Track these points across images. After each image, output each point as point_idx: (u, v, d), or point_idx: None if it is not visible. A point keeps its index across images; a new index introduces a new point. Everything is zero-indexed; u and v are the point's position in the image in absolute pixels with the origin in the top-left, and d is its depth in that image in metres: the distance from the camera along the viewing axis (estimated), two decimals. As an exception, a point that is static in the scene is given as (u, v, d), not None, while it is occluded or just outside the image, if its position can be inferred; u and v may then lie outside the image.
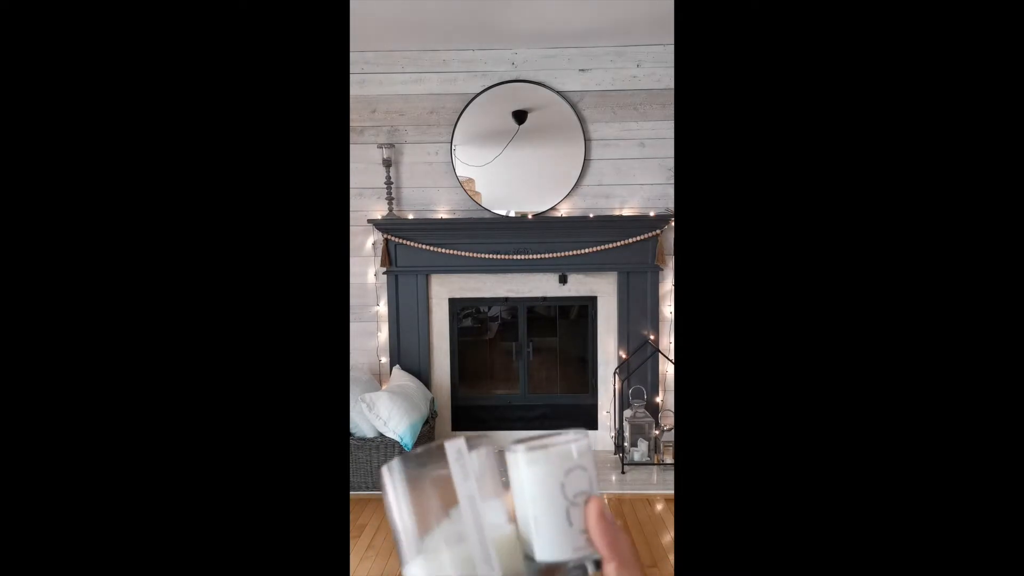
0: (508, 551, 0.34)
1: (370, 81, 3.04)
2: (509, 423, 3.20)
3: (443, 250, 3.00)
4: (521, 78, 3.02)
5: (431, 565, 0.34)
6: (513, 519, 0.35)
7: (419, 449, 0.35)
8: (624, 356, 3.08)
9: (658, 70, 3.01)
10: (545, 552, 0.34)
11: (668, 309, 3.14)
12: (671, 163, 3.08)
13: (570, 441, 0.34)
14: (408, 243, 3.00)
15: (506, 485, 0.36)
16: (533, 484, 0.34)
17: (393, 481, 0.35)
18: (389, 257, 3.03)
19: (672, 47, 3.04)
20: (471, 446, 0.34)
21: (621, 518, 2.47)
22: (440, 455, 0.34)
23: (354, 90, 3.04)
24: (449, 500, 0.34)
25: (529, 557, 0.35)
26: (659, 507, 2.54)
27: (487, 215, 3.06)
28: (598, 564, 0.34)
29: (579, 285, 3.15)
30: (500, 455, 0.36)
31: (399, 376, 3.04)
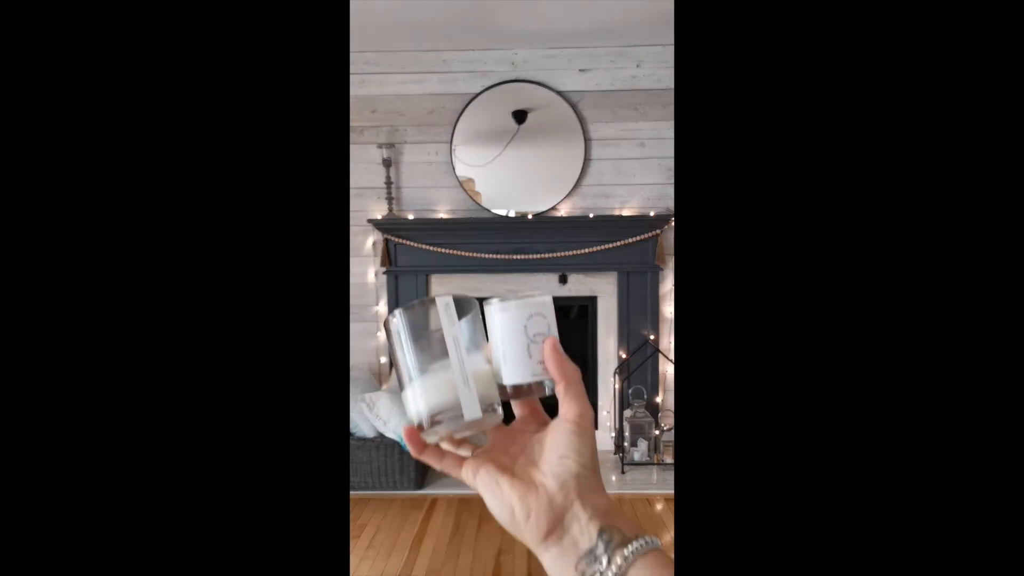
0: (485, 382, 0.44)
1: (370, 81, 3.04)
2: (509, 421, 3.20)
3: (443, 250, 3.00)
4: (521, 78, 3.02)
5: (424, 386, 0.42)
6: (490, 363, 0.45)
7: (416, 302, 0.44)
8: (624, 356, 3.08)
9: (658, 70, 3.01)
10: (510, 377, 0.44)
11: (668, 309, 3.14)
12: (671, 163, 3.08)
13: (533, 295, 0.44)
14: (408, 243, 3.00)
15: (486, 340, 0.45)
16: (502, 326, 0.44)
17: (398, 327, 0.43)
18: (389, 257, 3.03)
19: (672, 47, 3.04)
20: (462, 311, 0.43)
21: (621, 518, 2.46)
22: (433, 307, 0.43)
23: (354, 90, 3.04)
24: (439, 348, 0.43)
25: (500, 385, 0.44)
26: (659, 507, 2.54)
27: (487, 215, 3.06)
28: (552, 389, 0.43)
29: (579, 285, 3.15)
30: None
31: (399, 376, 3.04)
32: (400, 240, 3.00)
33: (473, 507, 2.61)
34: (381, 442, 2.72)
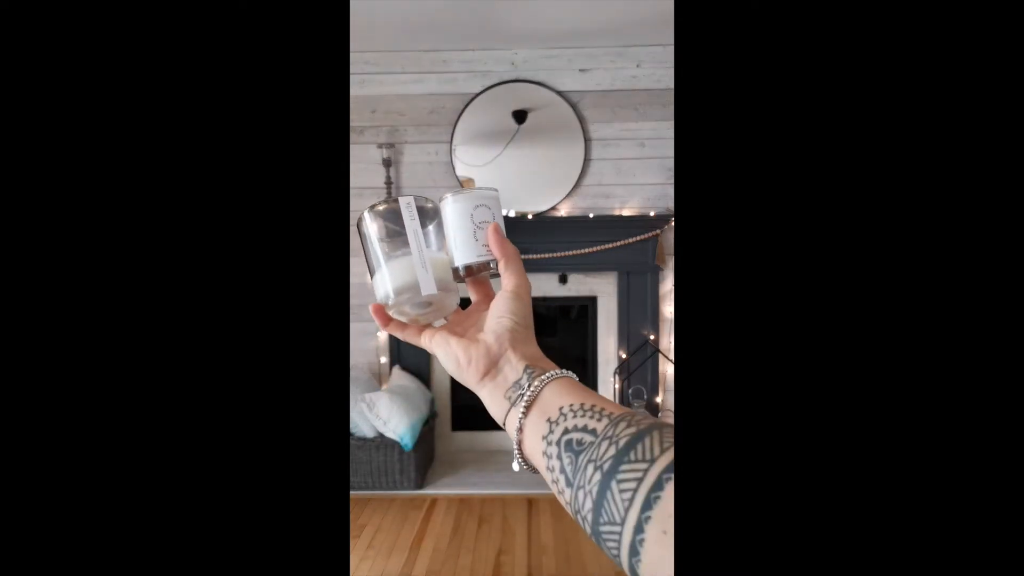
0: (441, 267, 0.50)
1: (370, 81, 3.04)
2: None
3: (443, 250, 2.99)
4: (521, 78, 3.02)
5: (389, 270, 0.49)
6: (448, 255, 0.51)
7: (381, 203, 0.50)
8: (624, 356, 3.08)
9: (658, 70, 3.01)
10: (460, 258, 0.50)
11: (668, 309, 3.14)
12: (671, 163, 3.08)
13: (480, 189, 0.50)
14: (408, 243, 2.99)
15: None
16: (453, 216, 0.50)
17: (367, 227, 0.50)
18: (389, 257, 3.02)
19: (672, 47, 3.04)
20: (428, 216, 0.50)
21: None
22: (397, 206, 0.49)
23: (354, 90, 3.04)
24: (402, 241, 0.49)
25: (455, 269, 0.51)
26: (659, 507, 2.54)
27: (487, 215, 3.05)
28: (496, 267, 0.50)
29: (579, 285, 3.15)
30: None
31: (399, 376, 3.04)
32: (400, 240, 2.99)
33: (473, 507, 2.61)
34: (381, 442, 2.71)
